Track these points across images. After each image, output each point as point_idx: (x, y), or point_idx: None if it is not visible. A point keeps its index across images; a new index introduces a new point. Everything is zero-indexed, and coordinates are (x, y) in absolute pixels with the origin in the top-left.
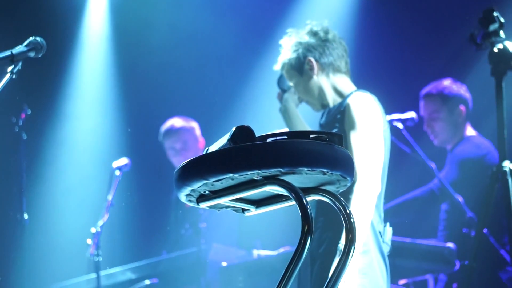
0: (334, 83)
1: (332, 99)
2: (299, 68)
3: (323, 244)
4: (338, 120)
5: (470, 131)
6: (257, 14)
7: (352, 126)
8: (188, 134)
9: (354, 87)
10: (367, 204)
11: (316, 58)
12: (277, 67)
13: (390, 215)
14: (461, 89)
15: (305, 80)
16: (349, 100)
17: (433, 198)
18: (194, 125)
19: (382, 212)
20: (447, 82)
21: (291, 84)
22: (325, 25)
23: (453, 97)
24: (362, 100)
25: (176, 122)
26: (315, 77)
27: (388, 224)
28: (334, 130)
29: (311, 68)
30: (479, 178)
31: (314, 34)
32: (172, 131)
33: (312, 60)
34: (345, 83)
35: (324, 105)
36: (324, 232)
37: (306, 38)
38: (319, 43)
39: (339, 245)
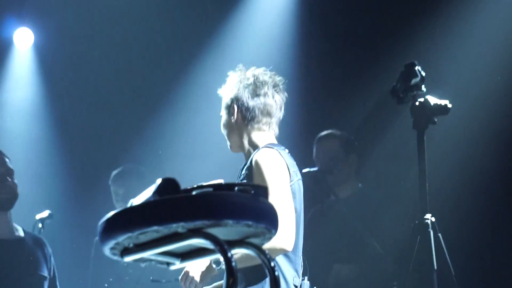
0: (251, 135)
1: (247, 150)
2: (226, 107)
3: None
4: (246, 175)
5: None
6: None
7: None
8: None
9: (271, 142)
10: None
11: (240, 108)
12: (220, 91)
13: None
14: (354, 141)
15: (226, 119)
16: (254, 157)
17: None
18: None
19: (298, 266)
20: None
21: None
22: (267, 78)
23: (350, 144)
24: (265, 156)
25: (126, 167)
26: (234, 123)
27: (306, 278)
28: None
29: (232, 114)
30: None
31: (249, 85)
32: (117, 175)
33: (236, 109)
34: (263, 138)
35: (240, 148)
36: None
37: (241, 86)
38: (249, 97)
39: None
